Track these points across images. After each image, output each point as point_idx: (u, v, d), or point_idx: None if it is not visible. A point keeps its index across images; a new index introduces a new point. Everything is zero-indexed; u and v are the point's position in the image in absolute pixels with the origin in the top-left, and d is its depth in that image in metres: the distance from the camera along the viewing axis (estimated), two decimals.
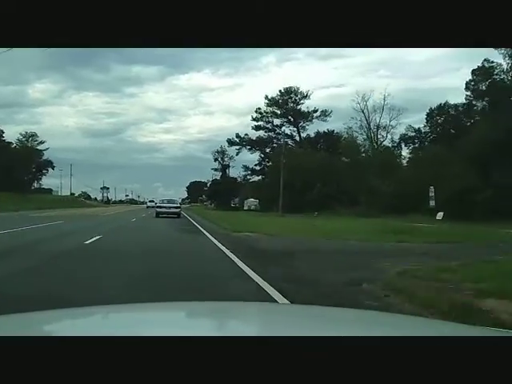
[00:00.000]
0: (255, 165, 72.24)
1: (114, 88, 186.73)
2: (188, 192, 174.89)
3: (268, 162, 69.47)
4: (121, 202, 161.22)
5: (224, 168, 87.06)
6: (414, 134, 52.71)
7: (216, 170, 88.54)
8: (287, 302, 5.97)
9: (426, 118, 51.44)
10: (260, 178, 74.06)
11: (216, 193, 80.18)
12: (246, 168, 73.44)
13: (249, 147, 71.41)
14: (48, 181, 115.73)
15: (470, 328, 1.88)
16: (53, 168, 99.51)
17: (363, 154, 50.13)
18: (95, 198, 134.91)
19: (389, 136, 52.22)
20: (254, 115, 74.44)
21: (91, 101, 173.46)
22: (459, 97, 51.69)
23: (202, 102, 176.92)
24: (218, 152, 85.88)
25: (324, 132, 68.76)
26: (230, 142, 77.41)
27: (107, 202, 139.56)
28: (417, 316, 3.44)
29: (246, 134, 70.32)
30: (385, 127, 52.90)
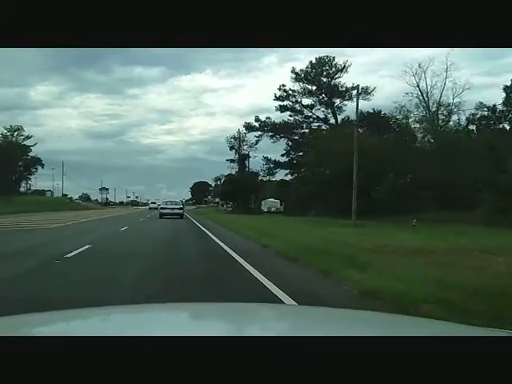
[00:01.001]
0: (282, 155, 52.42)
1: (116, 89, 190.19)
2: (192, 193, 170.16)
3: (298, 152, 49.20)
4: (121, 203, 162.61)
5: (243, 159, 68.58)
6: (486, 113, 43.20)
7: (232, 161, 69.48)
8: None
9: (505, 92, 42.70)
10: (288, 172, 52.98)
11: (232, 191, 65.99)
12: (266, 160, 53.53)
13: (271, 134, 51.18)
14: (44, 183, 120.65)
15: (470, 328, 1.91)
16: (42, 166, 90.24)
17: (420, 140, 41.51)
18: (96, 200, 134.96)
19: (453, 116, 42.45)
20: (278, 93, 59.79)
21: (93, 102, 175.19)
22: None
23: (204, 103, 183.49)
24: (234, 138, 67.56)
25: (368, 113, 53.57)
26: (249, 127, 54.25)
27: (106, 203, 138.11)
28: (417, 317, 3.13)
29: (268, 117, 50.12)
30: (448, 105, 42.64)
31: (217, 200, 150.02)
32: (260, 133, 58.63)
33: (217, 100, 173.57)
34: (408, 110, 40.95)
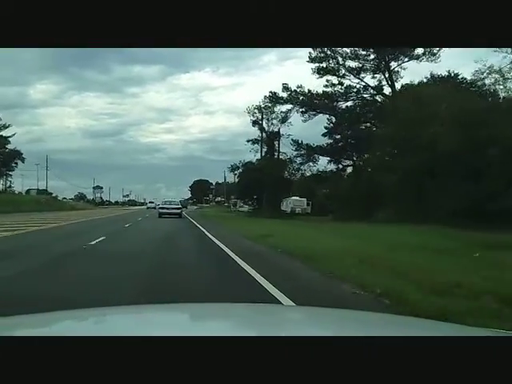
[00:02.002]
0: (323, 134, 33.87)
1: (115, 88, 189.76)
2: (192, 192, 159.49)
3: (344, 130, 30.14)
4: (117, 203, 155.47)
5: (271, 138, 47.03)
6: None
7: (255, 142, 49.31)
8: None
9: None
10: (330, 159, 34.23)
11: (253, 186, 35.01)
12: (297, 145, 33.74)
13: (303, 109, 31.57)
14: (32, 181, 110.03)
15: (470, 328, 1.97)
16: (23, 161, 77.21)
17: None
18: (92, 199, 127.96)
19: None
20: (313, 54, 40.21)
21: (92, 101, 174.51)
22: None
23: (203, 102, 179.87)
24: (258, 109, 47.59)
25: (440, 76, 37.05)
26: (274, 98, 33.59)
27: (101, 203, 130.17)
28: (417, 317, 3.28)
29: (300, 86, 30.56)
30: None
31: (218, 199, 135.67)
32: (290, 106, 41.15)
33: (216, 98, 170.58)
34: (500, 71, 29.02)
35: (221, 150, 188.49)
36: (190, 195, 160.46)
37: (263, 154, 46.76)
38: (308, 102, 43.24)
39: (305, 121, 44.07)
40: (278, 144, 45.66)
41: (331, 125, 43.49)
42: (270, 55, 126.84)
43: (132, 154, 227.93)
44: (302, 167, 45.34)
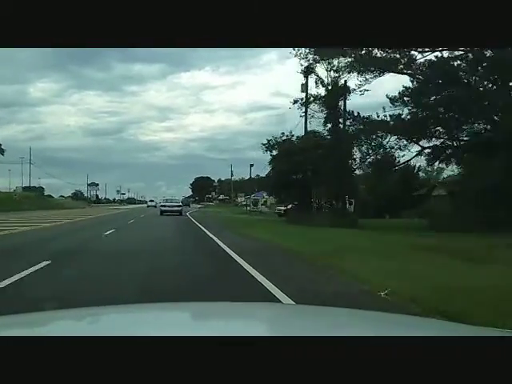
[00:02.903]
0: (396, 100, 18.64)
1: (115, 87, 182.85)
2: (193, 189, 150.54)
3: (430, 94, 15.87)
4: (114, 201, 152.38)
5: (333, 97, 26.97)
6: None
7: (305, 102, 29.32)
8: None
9: None
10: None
11: (294, 174, 20.61)
12: (353, 117, 18.35)
13: (361, 68, 16.52)
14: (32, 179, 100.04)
15: (470, 328, 1.91)
16: (2, 153, 70.97)
17: None
18: (89, 198, 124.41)
19: None
20: None
21: (92, 100, 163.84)
22: None
23: (203, 101, 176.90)
24: (314, 59, 27.24)
25: None
26: (323, 51, 26.23)
27: (97, 201, 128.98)
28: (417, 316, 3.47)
29: None
30: None
31: (222, 197, 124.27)
32: (348, 59, 26.84)
33: (216, 97, 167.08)
34: None
35: (220, 148, 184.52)
36: (190, 193, 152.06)
37: (325, 121, 28.91)
38: (368, 59, 26.29)
39: (360, 86, 27.86)
40: (344, 108, 27.58)
41: (413, 86, 26.26)
42: (271, 54, 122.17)
43: (132, 152, 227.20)
44: (384, 145, 27.61)
